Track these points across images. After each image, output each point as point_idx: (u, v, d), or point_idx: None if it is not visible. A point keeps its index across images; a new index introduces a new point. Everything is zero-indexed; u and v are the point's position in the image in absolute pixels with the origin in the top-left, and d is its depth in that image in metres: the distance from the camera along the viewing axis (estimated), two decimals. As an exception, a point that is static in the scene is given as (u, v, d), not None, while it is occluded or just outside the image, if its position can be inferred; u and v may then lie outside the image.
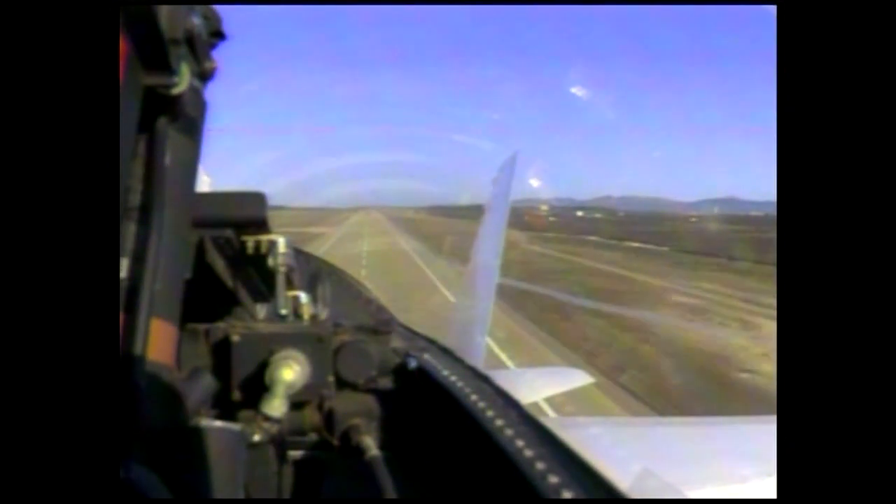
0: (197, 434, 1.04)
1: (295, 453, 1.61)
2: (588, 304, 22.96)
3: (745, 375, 14.54)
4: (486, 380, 1.40)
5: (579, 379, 8.45)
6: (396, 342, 1.67)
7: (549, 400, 8.72)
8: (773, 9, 0.87)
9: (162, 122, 0.96)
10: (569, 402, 9.79)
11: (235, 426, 1.16)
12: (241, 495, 1.11)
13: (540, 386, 7.32)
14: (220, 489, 1.04)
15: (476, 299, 7.26)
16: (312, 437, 1.60)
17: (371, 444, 1.52)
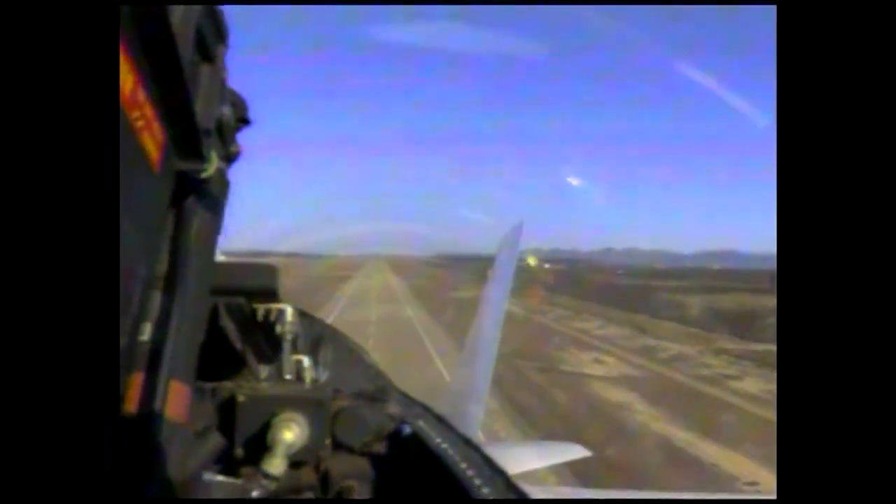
0: (201, 487, 1.10)
1: None
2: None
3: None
4: (476, 448, 1.45)
5: (576, 452, 8.29)
6: (393, 408, 1.73)
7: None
8: (773, 9, 0.87)
9: (190, 201, 1.05)
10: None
11: (236, 481, 1.22)
12: None
13: (535, 458, 7.20)
14: None
15: (475, 367, 7.21)
16: (308, 495, 1.64)
17: None
